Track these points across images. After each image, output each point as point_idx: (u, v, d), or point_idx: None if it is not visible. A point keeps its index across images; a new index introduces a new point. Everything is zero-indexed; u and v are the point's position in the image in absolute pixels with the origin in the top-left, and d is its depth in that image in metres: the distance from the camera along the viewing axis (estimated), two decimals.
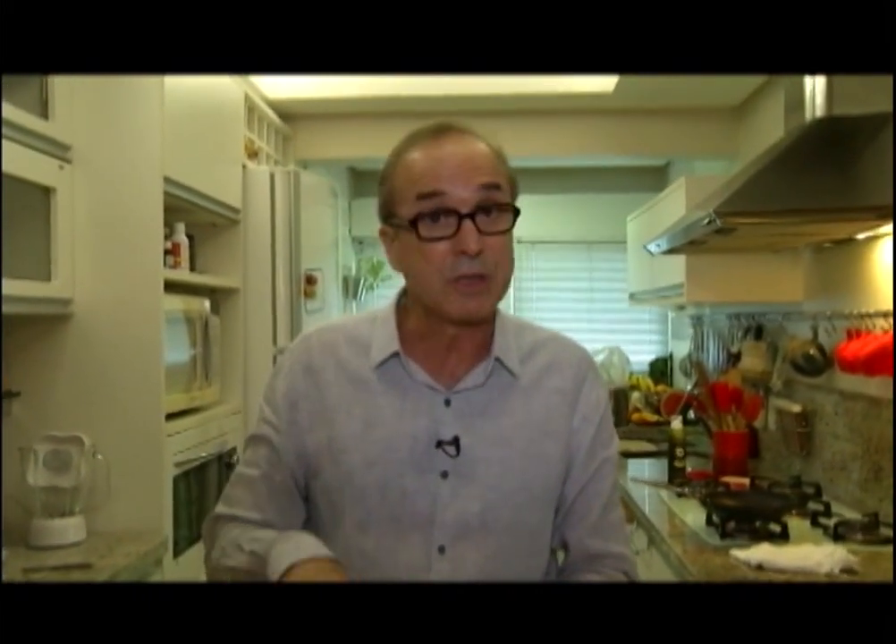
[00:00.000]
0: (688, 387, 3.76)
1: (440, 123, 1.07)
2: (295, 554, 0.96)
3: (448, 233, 1.01)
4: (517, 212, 1.06)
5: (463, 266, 1.01)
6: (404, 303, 1.15)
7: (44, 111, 1.96)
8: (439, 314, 1.07)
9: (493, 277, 1.04)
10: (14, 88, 1.91)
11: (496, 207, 1.03)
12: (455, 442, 1.07)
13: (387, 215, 1.08)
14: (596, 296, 4.94)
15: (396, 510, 1.07)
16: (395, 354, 1.10)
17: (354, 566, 1.06)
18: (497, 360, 1.10)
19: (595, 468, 1.15)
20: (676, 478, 2.63)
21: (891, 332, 2.04)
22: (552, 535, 1.15)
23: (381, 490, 1.07)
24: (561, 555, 1.19)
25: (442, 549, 1.06)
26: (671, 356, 4.70)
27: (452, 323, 1.07)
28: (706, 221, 1.91)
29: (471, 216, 1.01)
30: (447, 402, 1.09)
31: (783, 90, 2.34)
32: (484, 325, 1.10)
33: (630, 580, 1.14)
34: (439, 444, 1.07)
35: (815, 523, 2.10)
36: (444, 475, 1.07)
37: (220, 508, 1.15)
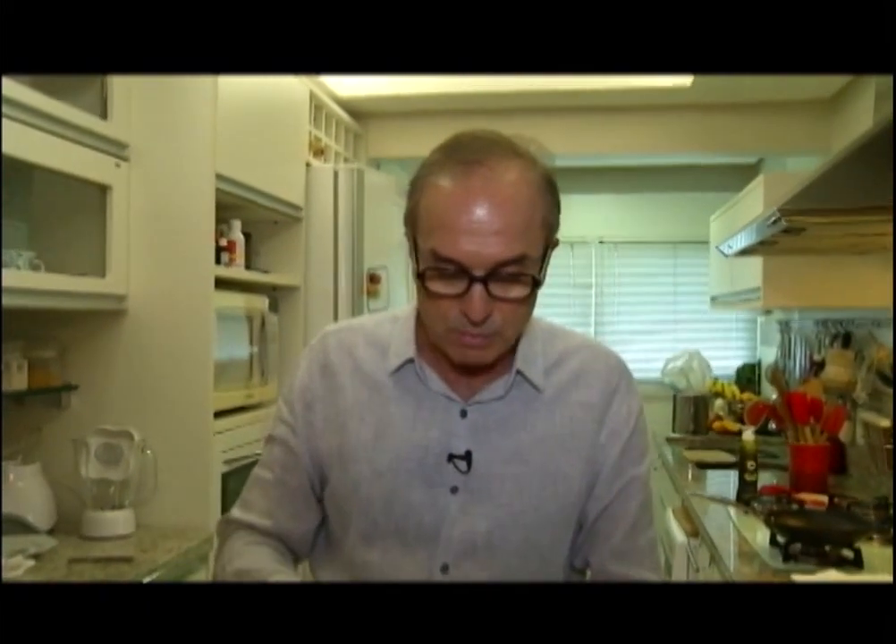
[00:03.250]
0: (774, 396, 3.56)
1: (476, 152, 0.91)
2: None
3: (456, 291, 0.91)
4: (537, 283, 0.93)
5: (466, 325, 0.92)
6: None
7: (103, 111, 2.01)
8: (442, 352, 1.00)
9: (500, 334, 0.95)
10: (76, 89, 1.97)
11: (514, 276, 0.91)
12: (467, 456, 1.01)
13: (409, 229, 0.98)
14: (681, 298, 4.75)
15: (401, 523, 1.02)
16: (410, 360, 1.04)
17: (358, 578, 1.04)
18: (519, 372, 1.03)
19: (622, 486, 1.06)
20: (745, 492, 2.47)
21: None
22: (576, 554, 1.08)
23: (387, 502, 1.02)
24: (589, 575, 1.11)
25: (445, 568, 1.01)
26: (759, 362, 4.48)
27: (453, 365, 1.01)
28: (772, 220, 1.77)
29: (484, 280, 0.90)
30: (463, 414, 1.03)
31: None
32: None
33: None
34: (450, 457, 1.01)
35: None
36: (454, 490, 1.01)
37: (235, 512, 1.12)
